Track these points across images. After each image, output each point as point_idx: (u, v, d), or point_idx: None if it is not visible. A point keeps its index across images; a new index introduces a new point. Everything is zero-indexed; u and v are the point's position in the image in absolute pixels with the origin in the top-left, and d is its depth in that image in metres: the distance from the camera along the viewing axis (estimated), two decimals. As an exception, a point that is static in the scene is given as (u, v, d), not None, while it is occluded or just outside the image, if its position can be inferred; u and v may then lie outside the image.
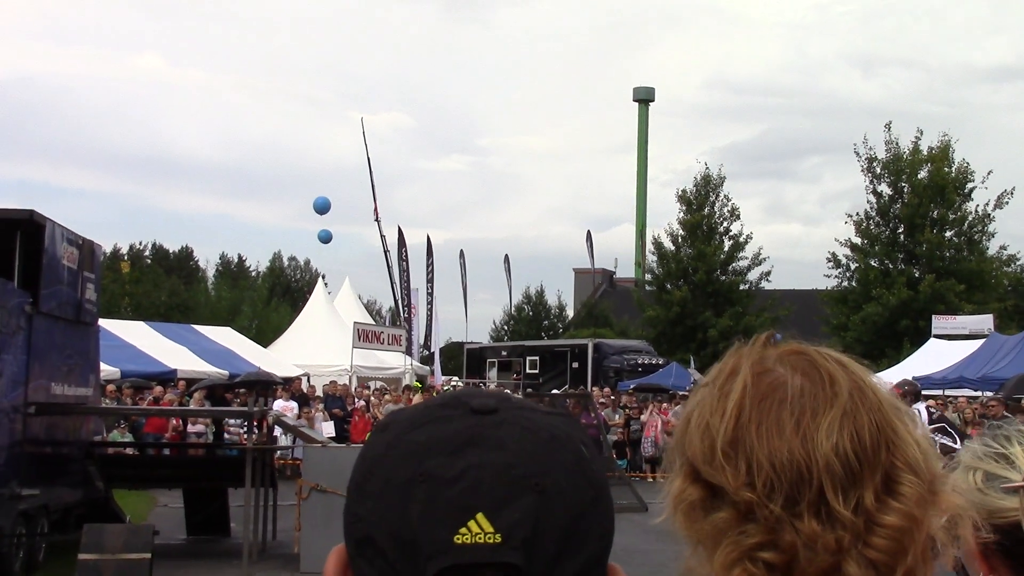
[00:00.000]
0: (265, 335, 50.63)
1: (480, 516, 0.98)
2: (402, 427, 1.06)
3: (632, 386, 38.07)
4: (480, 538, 0.98)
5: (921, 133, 49.73)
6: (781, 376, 1.47)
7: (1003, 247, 51.56)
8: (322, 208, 41.64)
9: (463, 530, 0.98)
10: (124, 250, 79.10)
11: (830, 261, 51.59)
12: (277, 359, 36.34)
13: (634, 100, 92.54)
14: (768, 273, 55.84)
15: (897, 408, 1.48)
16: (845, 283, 51.54)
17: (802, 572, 1.37)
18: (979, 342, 34.92)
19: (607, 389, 36.21)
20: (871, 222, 50.44)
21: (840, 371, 1.47)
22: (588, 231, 62.12)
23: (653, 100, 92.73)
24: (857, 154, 50.52)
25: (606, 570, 1.07)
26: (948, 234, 49.40)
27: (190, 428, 26.40)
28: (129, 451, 21.20)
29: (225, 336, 37.57)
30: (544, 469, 1.02)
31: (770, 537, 1.38)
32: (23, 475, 14.55)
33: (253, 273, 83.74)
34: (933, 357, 35.04)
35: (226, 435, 26.06)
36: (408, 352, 41.23)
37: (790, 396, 1.43)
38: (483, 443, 1.02)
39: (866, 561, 1.36)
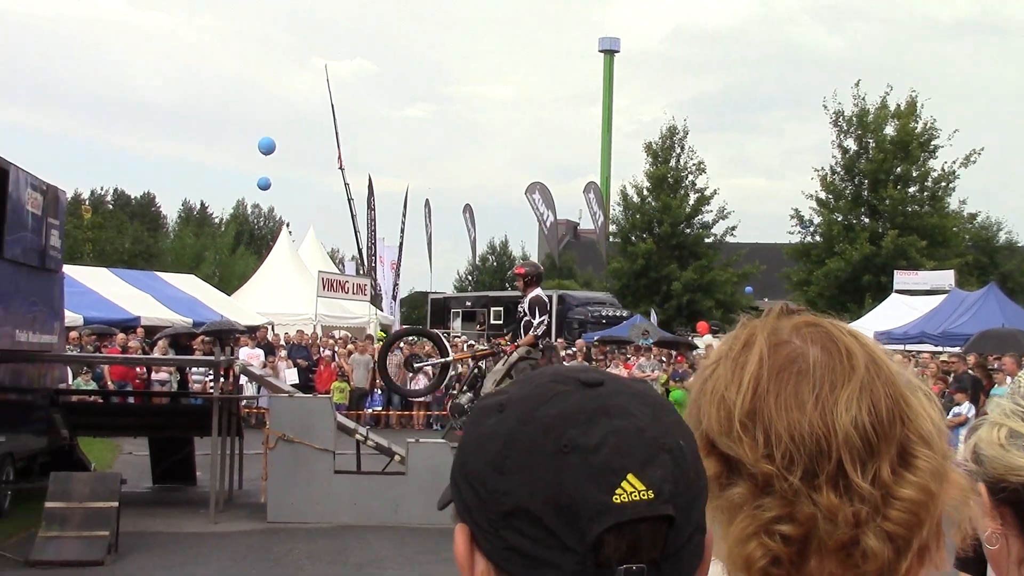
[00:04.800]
0: (229, 283, 50.41)
1: (630, 476, 1.08)
2: (525, 405, 1.14)
3: (596, 338, 38.17)
4: (635, 496, 1.07)
5: (890, 88, 49.83)
6: (798, 348, 1.47)
7: (963, 202, 51.92)
8: (267, 149, 41.14)
9: (619, 490, 1.07)
10: (85, 195, 78.32)
11: (793, 217, 51.79)
12: (241, 307, 36.20)
13: (599, 51, 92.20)
14: (734, 228, 55.99)
15: (910, 381, 1.49)
16: (808, 238, 51.73)
17: (820, 545, 1.39)
18: (940, 297, 35.20)
19: (580, 341, 36.24)
20: (836, 177, 50.61)
21: (856, 344, 1.48)
22: (530, 184, 56.94)
23: (618, 51, 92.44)
24: (825, 107, 50.64)
25: None
26: (911, 190, 49.64)
27: (153, 376, 26.30)
28: (93, 399, 21.10)
29: (189, 284, 37.39)
30: (664, 430, 1.14)
31: (788, 510, 1.39)
32: (-12, 422, 14.48)
33: (216, 220, 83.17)
34: (895, 312, 35.33)
35: (189, 383, 26.00)
36: (373, 302, 41.13)
37: (809, 369, 1.44)
38: (611, 412, 1.12)
39: (884, 534, 1.38)
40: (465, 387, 16.39)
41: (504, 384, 15.42)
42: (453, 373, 19.08)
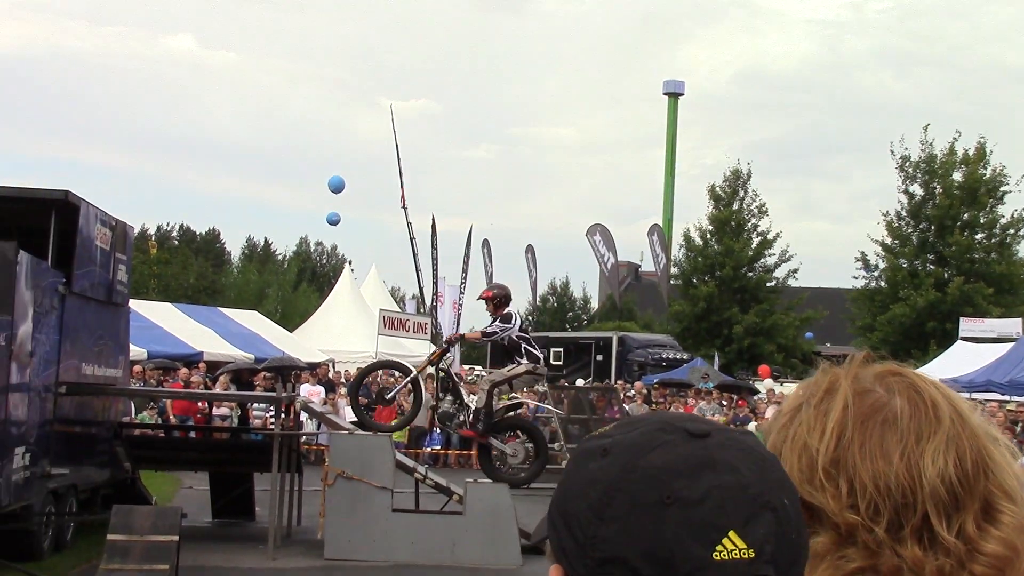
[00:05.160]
0: (291, 319, 50.74)
1: (732, 534, 1.06)
2: (630, 452, 1.12)
3: (656, 380, 37.99)
4: (736, 554, 1.06)
5: (959, 134, 49.25)
6: (882, 397, 1.45)
7: (1032, 248, 51.12)
8: (337, 187, 41.53)
9: (719, 547, 1.06)
10: (151, 231, 79.31)
11: (858, 261, 51.32)
12: (302, 344, 36.40)
13: (664, 94, 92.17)
14: (795, 271, 55.55)
15: (992, 435, 1.47)
16: (873, 283, 51.22)
17: None
18: (1007, 346, 34.65)
19: (638, 383, 36.05)
20: (902, 222, 50.10)
21: (940, 396, 1.46)
22: (591, 225, 56.10)
23: (683, 94, 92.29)
24: (892, 152, 50.11)
25: None
26: (979, 237, 49.03)
27: (214, 411, 26.46)
28: (155, 432, 21.26)
29: (251, 320, 37.66)
30: (769, 487, 1.11)
31: (871, 562, 1.37)
32: (53, 454, 14.62)
33: (280, 257, 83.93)
34: (960, 360, 34.79)
35: (250, 419, 26.15)
36: (434, 341, 41.17)
37: (895, 419, 1.42)
38: (716, 465, 1.10)
39: None
40: (441, 393, 16.28)
41: (501, 387, 15.53)
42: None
